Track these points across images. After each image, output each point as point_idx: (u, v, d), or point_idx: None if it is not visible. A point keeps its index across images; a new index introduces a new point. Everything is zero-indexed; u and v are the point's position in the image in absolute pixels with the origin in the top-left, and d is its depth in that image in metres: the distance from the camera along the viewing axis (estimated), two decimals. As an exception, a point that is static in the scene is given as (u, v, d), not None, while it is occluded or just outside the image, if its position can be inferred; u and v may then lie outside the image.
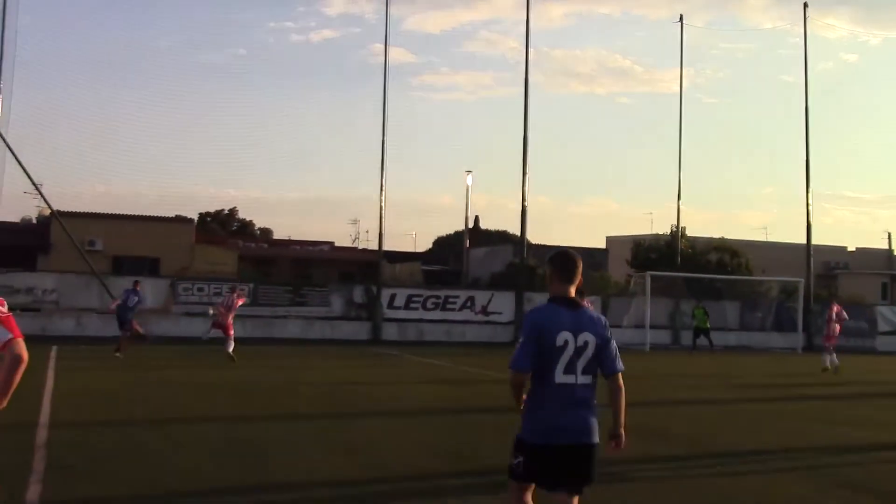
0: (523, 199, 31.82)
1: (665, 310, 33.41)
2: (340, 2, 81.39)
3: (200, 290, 28.59)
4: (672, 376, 20.08)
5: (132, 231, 36.16)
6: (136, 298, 20.23)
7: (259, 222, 66.50)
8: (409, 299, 31.10)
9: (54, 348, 19.69)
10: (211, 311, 21.13)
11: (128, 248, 35.58)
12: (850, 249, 61.66)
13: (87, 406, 11.58)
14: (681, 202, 35.65)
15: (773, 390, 17.23)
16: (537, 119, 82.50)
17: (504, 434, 10.25)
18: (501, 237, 58.96)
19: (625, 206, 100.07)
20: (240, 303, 20.72)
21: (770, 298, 37.45)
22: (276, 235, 62.19)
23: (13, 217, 39.61)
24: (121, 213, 37.54)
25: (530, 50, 32.69)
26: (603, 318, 4.82)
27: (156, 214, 38.48)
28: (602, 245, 58.19)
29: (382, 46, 31.34)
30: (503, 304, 31.27)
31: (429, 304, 31.29)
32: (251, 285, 29.69)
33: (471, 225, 55.26)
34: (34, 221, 41.49)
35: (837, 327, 22.63)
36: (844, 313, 23.09)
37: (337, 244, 55.06)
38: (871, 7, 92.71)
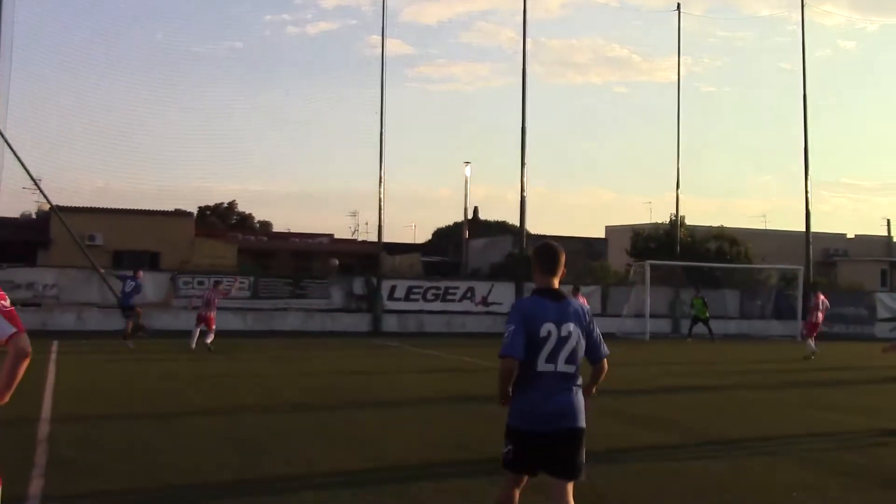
0: (522, 190, 31.86)
1: (665, 299, 33.43)
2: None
3: (201, 283, 28.55)
4: (672, 365, 20.13)
5: (132, 225, 36.15)
6: (133, 283, 20.32)
7: (258, 215, 66.58)
8: (409, 291, 31.12)
9: (55, 343, 19.71)
10: (193, 305, 21.35)
11: (128, 243, 35.57)
12: (849, 237, 61.67)
13: (88, 400, 11.60)
14: (679, 191, 35.65)
15: (773, 378, 17.27)
16: (535, 109, 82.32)
17: (504, 424, 10.30)
18: (501, 228, 59.00)
19: (624, 196, 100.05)
20: (221, 296, 21.00)
21: (769, 286, 37.47)
22: (276, 228, 62.24)
23: (13, 213, 39.61)
24: (120, 207, 37.52)
25: (527, 40, 32.62)
26: (586, 307, 5.02)
27: (155, 209, 38.48)
28: (601, 234, 58.24)
29: (379, 38, 31.27)
30: (503, 295, 31.29)
31: (429, 296, 31.31)
32: (251, 278, 29.70)
33: (470, 216, 55.28)
34: (34, 217, 41.50)
35: (821, 315, 22.89)
36: (827, 302, 23.41)
37: (336, 236, 55.14)
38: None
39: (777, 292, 36.00)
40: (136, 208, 37.30)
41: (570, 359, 4.82)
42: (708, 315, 28.93)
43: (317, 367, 17.51)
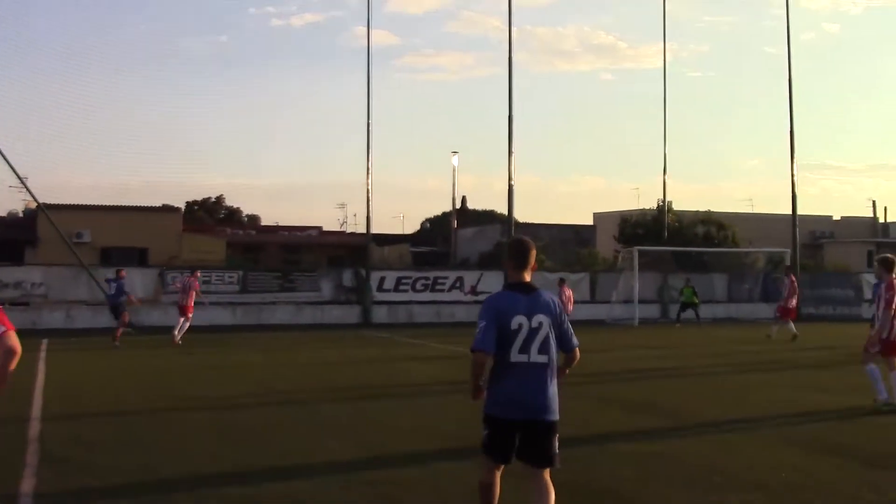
0: (510, 179, 31.86)
1: (653, 284, 33.56)
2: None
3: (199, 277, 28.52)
4: (660, 350, 20.23)
5: (119, 222, 36.04)
6: (114, 284, 20.51)
7: (246, 209, 66.52)
8: (399, 281, 31.15)
9: (45, 341, 19.66)
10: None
11: (115, 239, 35.49)
12: (835, 219, 62.00)
13: (79, 398, 11.59)
14: (667, 176, 35.77)
15: (760, 360, 17.39)
16: (522, 98, 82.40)
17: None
18: (489, 217, 59.08)
19: (612, 182, 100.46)
20: (196, 287, 21.07)
21: (757, 270, 37.64)
22: (264, 222, 62.16)
23: (0, 211, 39.46)
24: (107, 204, 37.39)
25: (513, 29, 32.59)
26: (556, 299, 5.18)
27: (143, 204, 38.37)
28: (590, 222, 58.36)
29: (365, 29, 31.20)
30: (492, 284, 31.30)
31: (418, 286, 31.35)
32: (240, 272, 29.68)
33: (458, 205, 55.32)
34: (21, 215, 41.34)
35: (794, 299, 23.17)
36: (795, 284, 23.92)
37: (325, 228, 55.09)
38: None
39: (764, 275, 36.16)
40: (123, 205, 37.21)
41: (543, 349, 4.98)
42: (697, 301, 29.16)
43: (307, 359, 17.53)
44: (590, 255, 41.80)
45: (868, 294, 35.01)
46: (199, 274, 22.62)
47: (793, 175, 35.28)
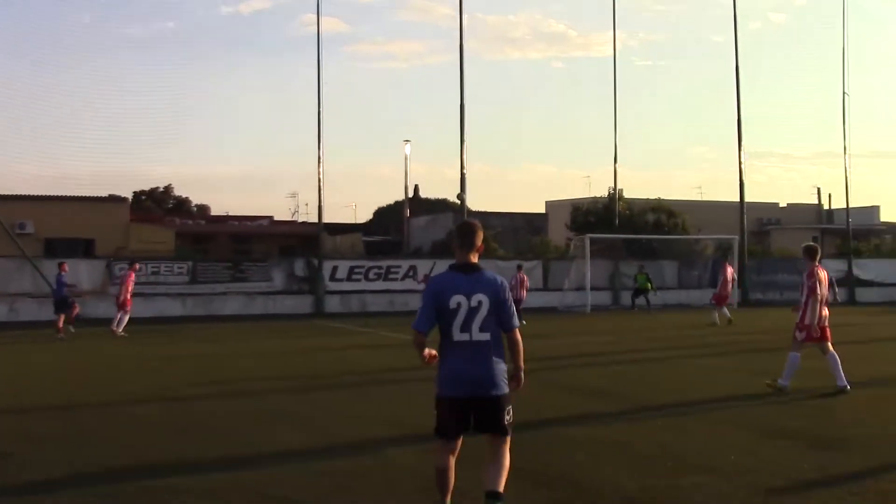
0: (462, 167, 31.86)
1: (605, 271, 33.88)
2: (270, -29, 79.95)
3: (138, 270, 28.04)
4: (612, 336, 20.44)
5: (64, 212, 35.27)
6: (58, 278, 20.37)
7: (196, 199, 65.66)
8: (351, 271, 31.01)
9: (-13, 335, 19.20)
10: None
11: (60, 230, 34.72)
12: (781, 206, 63.19)
13: (25, 392, 11.33)
14: (617, 165, 36.08)
15: (711, 345, 17.65)
16: (474, 86, 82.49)
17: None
18: (442, 205, 59.03)
19: (563, 171, 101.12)
20: (132, 278, 20.80)
21: (706, 256, 38.23)
22: (214, 212, 61.42)
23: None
24: (51, 194, 36.57)
25: (464, 16, 32.51)
26: (500, 279, 5.26)
27: (88, 195, 37.60)
28: (542, 210, 58.67)
29: (315, 16, 30.89)
30: (446, 273, 31.35)
31: (371, 275, 31.24)
32: (190, 263, 29.29)
33: (411, 194, 55.17)
34: (-40, 206, 40.19)
35: (730, 286, 24.05)
36: (730, 272, 24.55)
37: (276, 218, 54.59)
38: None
39: (714, 262, 36.73)
40: (67, 195, 36.43)
41: (485, 327, 5.11)
42: (651, 288, 29.55)
43: (259, 349, 17.36)
44: (542, 243, 42.03)
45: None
46: (137, 267, 22.24)
47: (740, 163, 35.90)
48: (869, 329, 21.77)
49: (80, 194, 36.34)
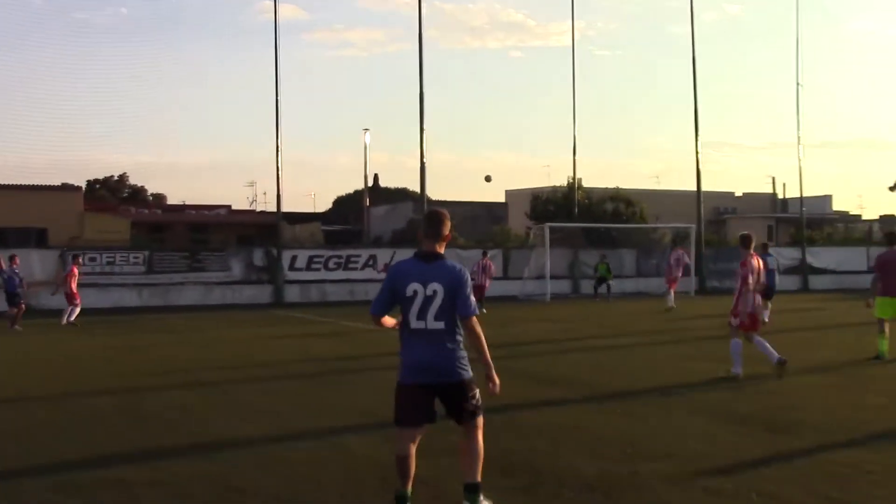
0: (422, 156, 31.77)
1: (564, 260, 34.06)
2: (226, -43, 79.01)
3: (92, 259, 27.64)
4: (571, 324, 20.58)
5: (15, 201, 34.59)
6: (6, 273, 20.07)
7: (151, 188, 64.75)
8: (311, 260, 30.82)
9: (-64, 327, 18.76)
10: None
11: (11, 219, 34.00)
12: (737, 195, 64.08)
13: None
14: (576, 154, 36.21)
15: (668, 333, 17.84)
16: (433, 75, 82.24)
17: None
18: (402, 194, 58.93)
19: (523, 160, 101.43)
20: (75, 272, 20.65)
21: (664, 245, 38.61)
22: (171, 201, 60.63)
23: None
24: (2, 182, 35.83)
25: (423, 4, 32.34)
26: (458, 267, 5.28)
27: (41, 183, 36.93)
28: (502, 199, 58.81)
29: (272, 3, 30.51)
30: (405, 262, 31.30)
31: (331, 265, 31.08)
32: (146, 252, 28.90)
33: (370, 183, 54.97)
34: None
35: (680, 270, 24.54)
36: (686, 258, 25.41)
37: (234, 207, 54.04)
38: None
39: (671, 250, 37.13)
40: (19, 183, 35.73)
41: (439, 316, 5.13)
42: (611, 277, 29.85)
43: (217, 340, 17.19)
44: (502, 231, 42.12)
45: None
46: (80, 260, 21.99)
47: (697, 152, 36.25)
48: (821, 316, 22.18)
49: (32, 183, 35.71)
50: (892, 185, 61.17)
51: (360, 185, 53.81)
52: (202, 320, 22.08)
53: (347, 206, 60.04)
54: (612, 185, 44.55)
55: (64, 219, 35.49)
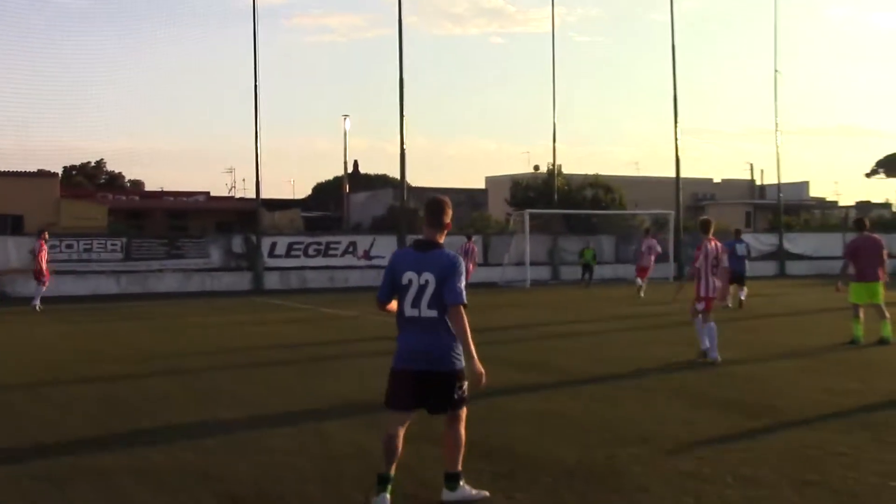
0: (402, 143, 31.63)
1: (544, 246, 34.12)
2: (204, -60, 78.10)
3: (69, 246, 27.41)
4: (551, 310, 20.65)
5: (-10, 188, 34.19)
6: None
7: (129, 174, 64.14)
8: (290, 247, 30.70)
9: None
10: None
11: (-15, 206, 33.66)
12: (716, 181, 64.43)
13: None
14: (556, 140, 36.22)
15: (647, 318, 17.95)
16: (413, 61, 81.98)
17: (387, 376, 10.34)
18: (382, 181, 58.78)
19: (503, 146, 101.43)
20: (43, 248, 20.75)
21: (643, 231, 38.79)
22: (148, 187, 60.15)
23: None
24: (-24, 169, 35.37)
25: (403, -11, 32.06)
26: (451, 257, 5.28)
27: (16, 170, 36.47)
28: (482, 185, 58.81)
29: (251, -13, 30.19)
30: (385, 248, 31.22)
31: (310, 251, 30.97)
32: (124, 239, 28.69)
33: (350, 170, 54.81)
34: None
35: (652, 258, 24.78)
36: (658, 247, 25.59)
37: (213, 194, 53.70)
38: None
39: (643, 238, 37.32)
40: (-8, 170, 35.32)
41: (432, 304, 5.19)
42: (594, 264, 30.10)
43: (196, 327, 17.10)
44: (482, 218, 42.15)
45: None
46: (46, 236, 21.84)
47: (676, 139, 36.35)
48: (797, 301, 22.40)
49: (7, 169, 35.28)
50: (868, 171, 61.75)
51: (339, 172, 53.64)
52: (181, 307, 21.97)
53: (327, 192, 59.83)
54: (591, 172, 44.71)
55: (40, 206, 35.15)
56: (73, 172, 57.19)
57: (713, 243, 11.52)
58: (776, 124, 38.72)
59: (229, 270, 29.52)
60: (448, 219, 5.38)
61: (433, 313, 5.18)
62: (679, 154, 36.23)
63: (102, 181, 60.78)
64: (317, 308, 21.24)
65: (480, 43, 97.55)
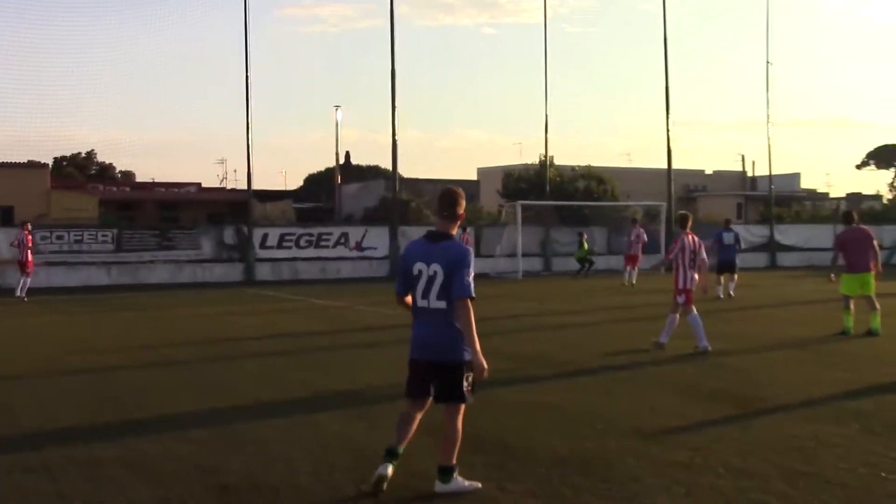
0: (393, 134, 31.56)
1: (536, 238, 34.14)
2: (194, -70, 77.61)
3: (60, 238, 27.30)
4: (543, 302, 20.67)
5: (-21, 179, 34.05)
6: None
7: (120, 165, 63.85)
8: (282, 238, 30.63)
9: None
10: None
11: (-24, 197, 33.54)
12: (707, 172, 64.47)
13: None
14: (548, 132, 36.20)
15: (639, 309, 17.96)
16: (405, 52, 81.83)
17: (380, 368, 10.34)
18: (373, 172, 58.63)
19: (495, 137, 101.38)
20: (29, 241, 21.01)
21: (630, 221, 38.82)
22: (139, 178, 59.87)
23: None
24: (-34, 160, 35.22)
25: (395, -20, 31.94)
26: (460, 248, 5.31)
27: (6, 160, 36.32)
28: (474, 177, 58.76)
29: (241, -23, 30.04)
30: (377, 239, 31.24)
31: (302, 242, 30.91)
32: (115, 230, 28.57)
33: (342, 161, 54.68)
34: None
35: (639, 247, 25.02)
36: (645, 236, 25.82)
37: (204, 185, 53.50)
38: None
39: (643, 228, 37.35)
40: (-18, 162, 35.16)
41: (441, 296, 5.23)
42: (588, 255, 30.11)
43: (188, 318, 17.07)
44: (474, 209, 42.11)
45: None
46: (30, 227, 21.94)
47: (668, 130, 36.36)
48: (788, 292, 22.47)
49: (-3, 161, 35.13)
50: (859, 163, 61.93)
51: (331, 163, 53.55)
52: (172, 299, 21.91)
53: (319, 183, 59.65)
54: (583, 163, 44.71)
55: (30, 196, 35.02)
56: (64, 163, 56.90)
57: (690, 237, 11.63)
58: (768, 116, 38.77)
59: (221, 262, 29.45)
60: (461, 209, 5.43)
61: (441, 304, 5.23)
62: (671, 145, 36.26)
63: (93, 172, 60.49)
64: (308, 299, 21.22)
65: (472, 34, 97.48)
